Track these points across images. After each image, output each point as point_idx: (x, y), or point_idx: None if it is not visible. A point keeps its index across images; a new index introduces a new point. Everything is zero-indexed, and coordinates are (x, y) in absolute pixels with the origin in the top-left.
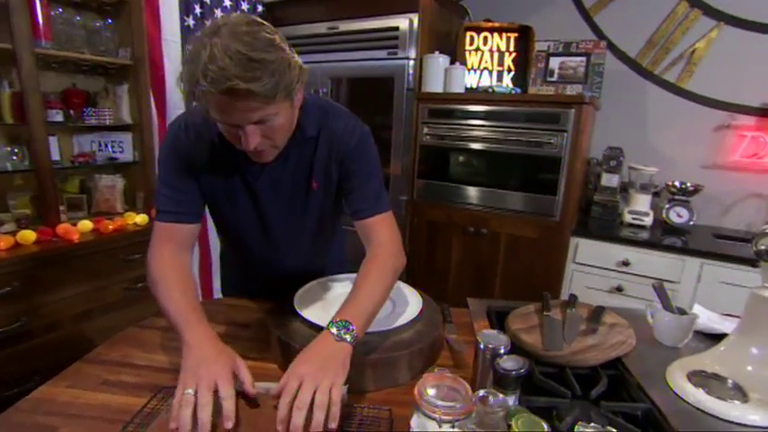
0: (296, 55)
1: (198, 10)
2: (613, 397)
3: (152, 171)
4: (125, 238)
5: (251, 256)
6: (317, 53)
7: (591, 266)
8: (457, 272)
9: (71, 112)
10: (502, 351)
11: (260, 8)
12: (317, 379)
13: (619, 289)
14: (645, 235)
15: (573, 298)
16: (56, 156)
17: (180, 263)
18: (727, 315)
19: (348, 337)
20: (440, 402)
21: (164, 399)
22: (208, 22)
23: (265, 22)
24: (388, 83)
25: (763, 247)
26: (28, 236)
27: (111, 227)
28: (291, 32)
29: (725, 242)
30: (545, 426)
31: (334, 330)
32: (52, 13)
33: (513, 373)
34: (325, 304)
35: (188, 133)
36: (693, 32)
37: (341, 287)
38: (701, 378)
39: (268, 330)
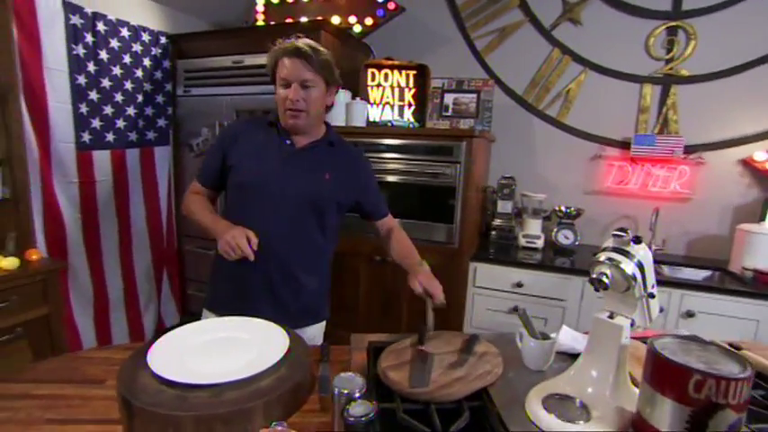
0: (338, 74)
1: (89, 39)
2: (476, 430)
3: (27, 208)
4: None
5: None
6: (223, 86)
7: (489, 289)
8: (366, 301)
9: None
10: (357, 395)
11: (163, 39)
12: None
13: (515, 309)
14: (538, 257)
15: (474, 339)
16: None
17: (204, 199)
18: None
19: (426, 266)
20: None
21: None
22: (102, 52)
23: None
24: None
25: (594, 276)
26: None
27: None
28: (197, 65)
29: None
30: None
31: (421, 267)
32: None
33: (362, 420)
34: (182, 358)
35: (239, 128)
36: (567, 75)
37: (197, 336)
38: (554, 401)
39: None
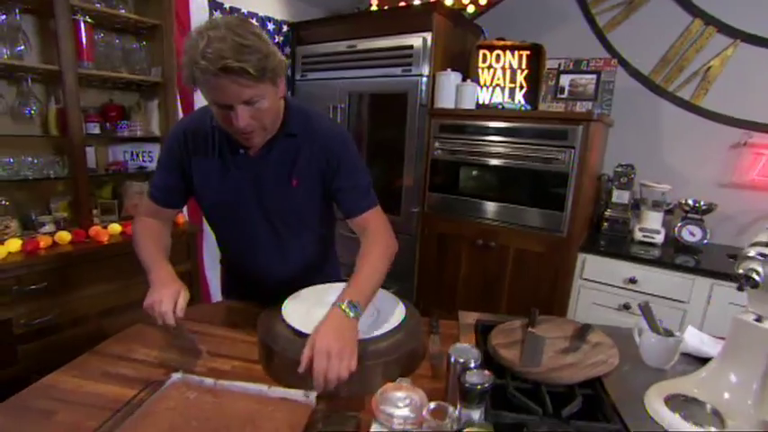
0: (277, 50)
1: None
2: (587, 417)
3: None
4: None
5: (242, 254)
6: (337, 70)
7: (598, 283)
8: (465, 284)
9: (107, 124)
10: (472, 365)
11: (285, 28)
12: (342, 354)
13: (626, 306)
14: (656, 252)
15: (587, 327)
16: (92, 164)
17: (158, 226)
18: (721, 338)
19: (354, 314)
20: (395, 413)
21: (150, 392)
22: None
23: (254, 22)
24: (402, 98)
25: (741, 272)
26: (64, 236)
27: None
28: (314, 51)
29: None
30: None
31: (344, 308)
32: (95, 38)
33: (478, 387)
34: (309, 311)
35: (186, 138)
36: (708, 50)
37: (328, 295)
38: (679, 402)
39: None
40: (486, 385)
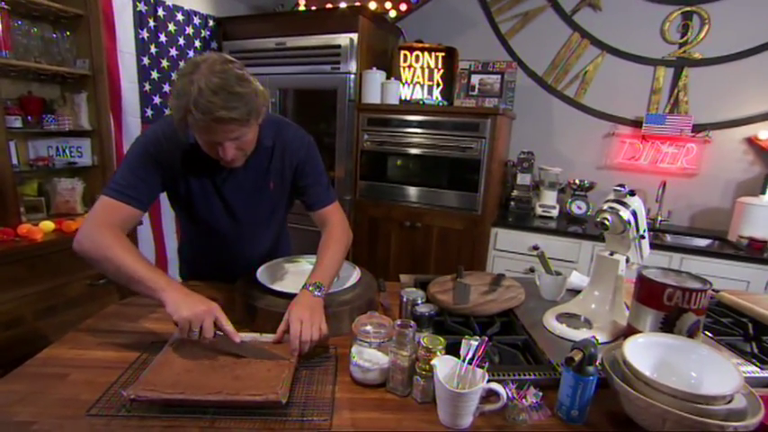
0: (257, 83)
1: (152, 24)
2: (505, 335)
3: (111, 174)
4: None
5: (219, 245)
6: (266, 66)
7: (508, 252)
8: (396, 261)
9: (29, 118)
10: (419, 301)
11: (211, 23)
12: (312, 321)
13: (531, 270)
14: (553, 224)
15: (501, 276)
16: (13, 160)
17: (126, 239)
18: None
19: (320, 293)
20: (371, 330)
21: (155, 351)
22: (161, 35)
23: (234, 59)
24: (332, 94)
25: (598, 220)
26: None
27: (73, 226)
28: (241, 46)
29: None
30: (442, 340)
31: (311, 289)
32: (11, 25)
33: (426, 314)
34: (277, 277)
35: (167, 143)
36: (584, 58)
37: (289, 266)
38: (565, 317)
39: (233, 303)
40: (433, 312)
